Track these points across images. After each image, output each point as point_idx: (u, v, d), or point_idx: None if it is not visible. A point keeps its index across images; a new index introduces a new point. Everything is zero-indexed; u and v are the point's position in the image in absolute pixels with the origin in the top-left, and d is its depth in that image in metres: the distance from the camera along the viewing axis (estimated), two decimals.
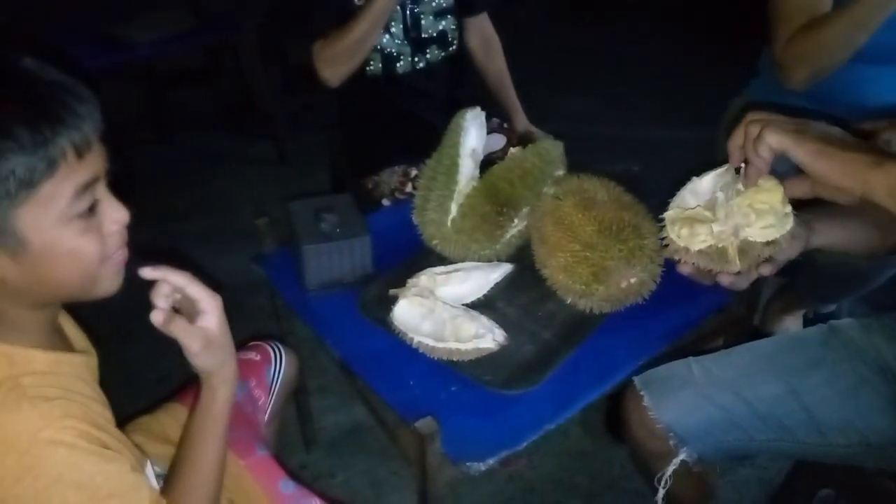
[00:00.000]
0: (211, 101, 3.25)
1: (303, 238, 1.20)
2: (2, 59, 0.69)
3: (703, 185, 0.94)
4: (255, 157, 2.95)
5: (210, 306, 0.82)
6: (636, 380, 1.09)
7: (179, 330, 0.81)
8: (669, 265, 1.10)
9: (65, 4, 2.70)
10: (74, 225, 0.70)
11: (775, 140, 0.77)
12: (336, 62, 1.53)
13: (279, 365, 1.25)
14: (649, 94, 3.36)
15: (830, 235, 0.93)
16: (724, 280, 0.90)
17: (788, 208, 0.86)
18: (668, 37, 3.96)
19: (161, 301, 0.82)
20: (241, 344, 1.31)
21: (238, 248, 2.18)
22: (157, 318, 0.80)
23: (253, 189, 2.75)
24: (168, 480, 0.87)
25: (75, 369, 0.80)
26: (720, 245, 0.89)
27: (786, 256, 0.89)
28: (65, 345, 0.84)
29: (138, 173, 2.77)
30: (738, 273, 0.90)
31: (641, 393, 1.07)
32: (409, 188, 1.61)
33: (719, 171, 0.92)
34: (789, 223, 0.86)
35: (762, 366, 1.05)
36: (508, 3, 3.73)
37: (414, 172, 1.62)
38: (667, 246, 0.95)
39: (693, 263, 0.92)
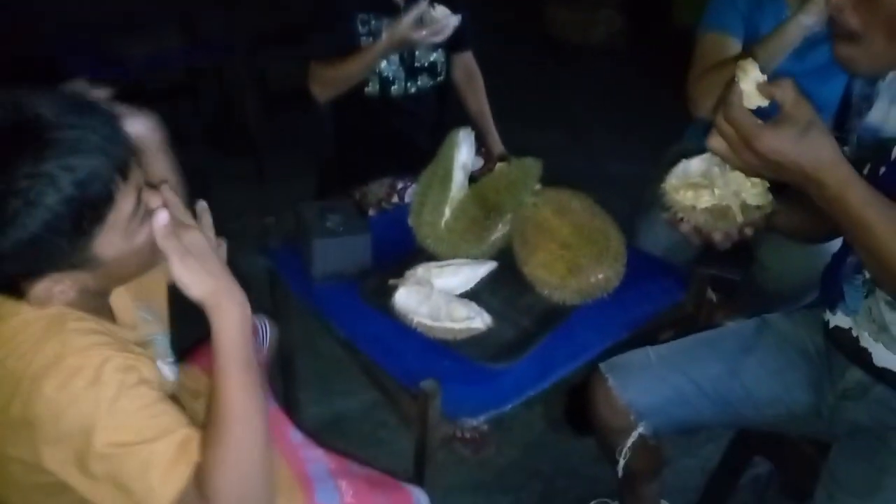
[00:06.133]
0: (191, 119, 3.37)
1: (312, 233, 1.35)
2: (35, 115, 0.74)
3: (693, 167, 1.09)
4: (236, 174, 3.07)
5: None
6: (601, 365, 1.26)
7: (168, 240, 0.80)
8: (632, 266, 1.30)
9: (59, 17, 2.80)
10: (134, 226, 0.82)
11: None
12: (328, 86, 1.76)
13: (265, 338, 1.38)
14: (610, 130, 3.61)
15: (786, 219, 1.12)
16: (718, 237, 1.06)
17: (768, 187, 1.04)
18: (629, 77, 4.25)
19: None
20: None
21: None
22: (162, 219, 0.80)
23: (233, 203, 2.86)
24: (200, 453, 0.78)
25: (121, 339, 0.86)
26: (724, 203, 1.04)
27: (760, 223, 1.07)
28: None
29: None
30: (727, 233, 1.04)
31: (606, 376, 1.25)
32: (394, 199, 1.77)
33: (705, 156, 1.08)
34: (770, 196, 1.05)
35: (707, 352, 1.24)
36: (491, 47, 3.98)
37: (400, 185, 1.78)
38: (669, 208, 1.08)
39: (690, 223, 1.06)
